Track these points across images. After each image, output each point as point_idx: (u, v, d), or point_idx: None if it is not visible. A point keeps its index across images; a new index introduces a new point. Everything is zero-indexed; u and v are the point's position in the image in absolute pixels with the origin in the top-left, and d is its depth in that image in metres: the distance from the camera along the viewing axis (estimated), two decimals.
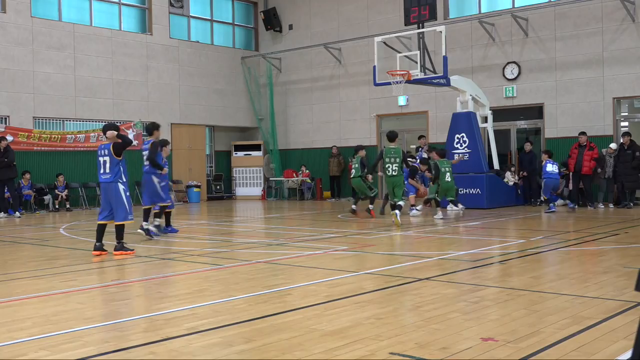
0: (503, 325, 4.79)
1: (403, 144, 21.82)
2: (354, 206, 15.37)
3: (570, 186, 17.15)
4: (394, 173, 13.24)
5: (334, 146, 23.63)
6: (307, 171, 24.24)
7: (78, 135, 20.90)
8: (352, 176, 15.55)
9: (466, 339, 4.45)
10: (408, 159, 14.64)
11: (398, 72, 17.27)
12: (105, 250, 9.15)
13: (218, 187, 25.66)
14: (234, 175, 25.97)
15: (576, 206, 16.42)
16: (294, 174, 24.58)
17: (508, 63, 20.14)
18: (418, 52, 17.65)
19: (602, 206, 17.10)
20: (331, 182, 23.75)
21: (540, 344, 4.28)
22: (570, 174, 17.09)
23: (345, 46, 23.62)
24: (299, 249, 9.72)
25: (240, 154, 25.90)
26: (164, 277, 7.50)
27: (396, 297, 6.06)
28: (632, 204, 16.83)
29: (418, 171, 15.87)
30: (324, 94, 24.51)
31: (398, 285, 6.53)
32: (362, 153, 15.49)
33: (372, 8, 23.10)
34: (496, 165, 18.83)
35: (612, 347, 4.21)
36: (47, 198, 19.84)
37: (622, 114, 18.84)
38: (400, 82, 17.19)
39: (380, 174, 16.55)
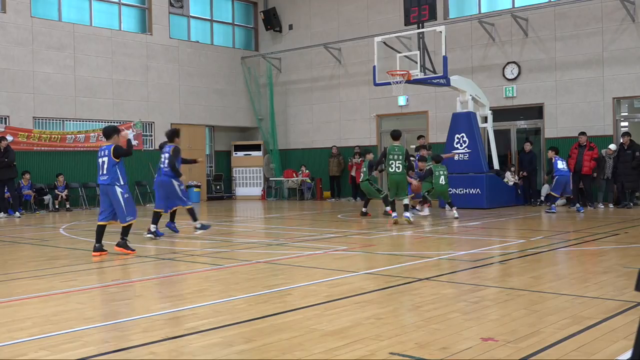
0: (503, 325, 4.79)
1: (403, 144, 21.76)
2: (364, 209, 15.51)
3: (570, 186, 17.12)
4: (397, 170, 13.37)
5: (334, 146, 23.62)
6: (307, 171, 24.24)
7: (78, 136, 20.92)
8: (360, 180, 15.81)
9: (466, 339, 4.45)
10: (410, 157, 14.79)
11: (398, 72, 17.27)
12: (105, 251, 9.14)
13: (218, 187, 25.65)
14: (234, 175, 25.97)
15: (583, 211, 16.10)
16: (294, 174, 24.57)
17: (508, 63, 20.13)
18: (418, 52, 17.65)
19: (602, 206, 17.10)
20: (331, 182, 23.74)
21: (540, 344, 4.28)
22: (570, 174, 17.07)
23: (345, 46, 23.61)
24: (299, 249, 9.72)
25: (240, 154, 25.89)
26: (164, 277, 7.50)
27: (396, 297, 6.06)
28: (632, 204, 16.83)
29: (415, 169, 15.93)
30: (324, 94, 24.50)
31: (398, 285, 6.53)
32: (370, 157, 15.62)
33: (372, 8, 23.09)
34: (496, 165, 18.84)
35: (612, 347, 4.21)
36: (47, 198, 19.84)
37: (622, 114, 18.85)
38: (400, 82, 17.19)
39: (376, 173, 16.57)
